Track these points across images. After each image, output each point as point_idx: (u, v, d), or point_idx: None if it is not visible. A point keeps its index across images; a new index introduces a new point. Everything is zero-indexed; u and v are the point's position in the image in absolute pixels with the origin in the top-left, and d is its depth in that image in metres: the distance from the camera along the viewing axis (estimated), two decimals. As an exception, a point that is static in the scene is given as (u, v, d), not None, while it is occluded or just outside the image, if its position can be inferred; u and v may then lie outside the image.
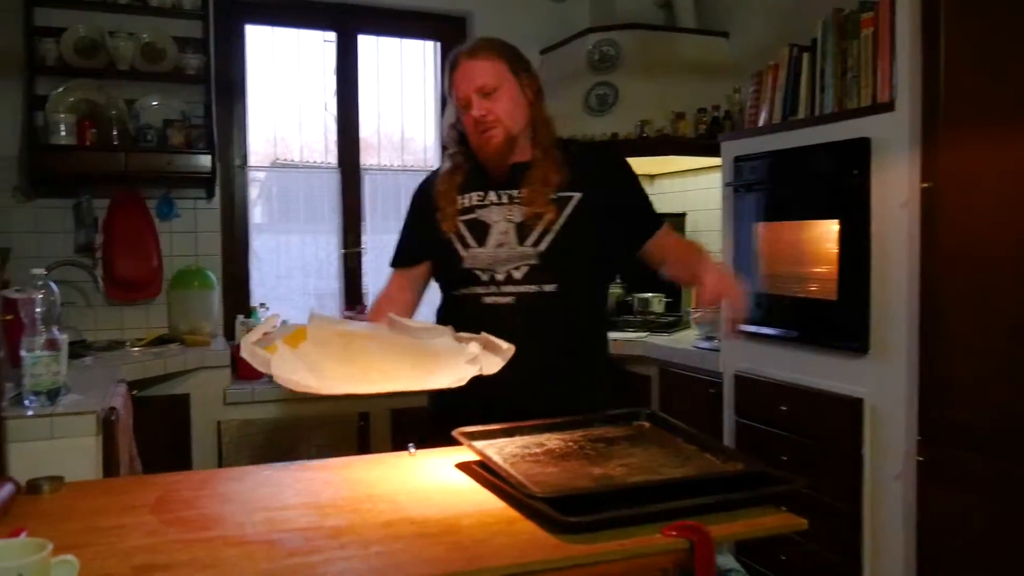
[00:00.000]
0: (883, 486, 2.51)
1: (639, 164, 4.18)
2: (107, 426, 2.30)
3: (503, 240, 1.87)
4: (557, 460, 1.44)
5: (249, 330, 1.54)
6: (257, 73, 4.07)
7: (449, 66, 1.91)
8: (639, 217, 2.01)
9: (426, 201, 2.00)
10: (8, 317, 2.31)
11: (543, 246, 1.85)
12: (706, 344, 3.35)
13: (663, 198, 4.55)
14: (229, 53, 3.95)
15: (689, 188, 4.34)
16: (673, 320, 3.97)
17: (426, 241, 1.98)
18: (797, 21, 3.22)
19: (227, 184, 3.95)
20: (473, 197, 1.93)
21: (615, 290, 4.12)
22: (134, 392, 2.93)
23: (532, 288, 1.85)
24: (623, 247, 1.99)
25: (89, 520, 1.20)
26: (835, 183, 2.63)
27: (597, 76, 4.00)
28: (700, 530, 1.12)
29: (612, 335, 3.73)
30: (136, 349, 3.47)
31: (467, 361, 1.51)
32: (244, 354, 1.44)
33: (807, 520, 1.20)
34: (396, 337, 1.58)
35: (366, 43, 4.27)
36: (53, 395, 2.29)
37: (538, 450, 1.49)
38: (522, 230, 1.86)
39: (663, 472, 1.37)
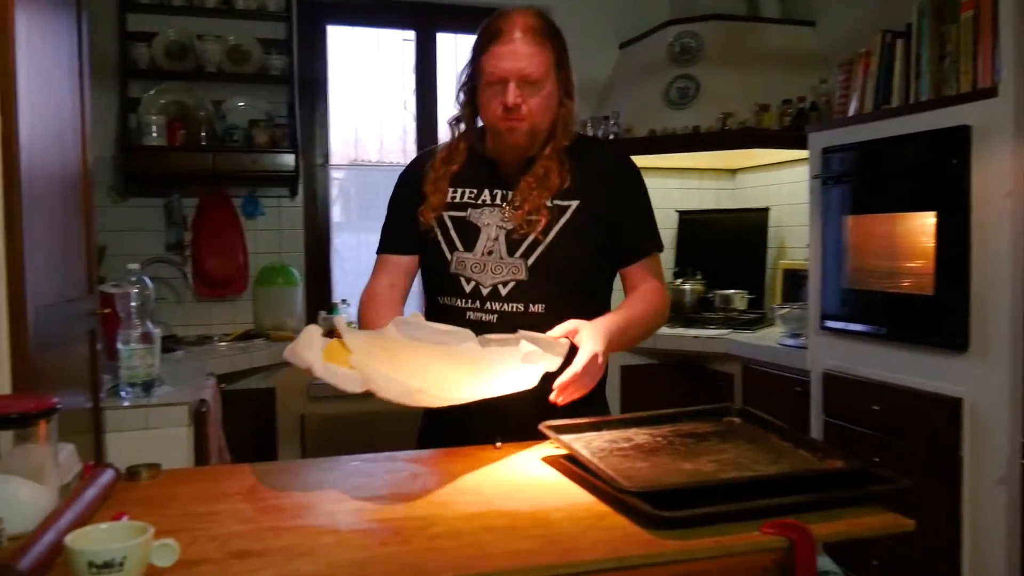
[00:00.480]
0: (984, 490, 2.40)
1: (721, 158, 4.16)
2: (198, 417, 2.36)
3: (492, 247, 1.70)
4: (646, 455, 1.40)
5: (327, 331, 1.46)
6: (338, 73, 4.14)
7: (490, 33, 1.66)
8: (637, 233, 1.79)
9: (415, 184, 1.80)
10: (105, 311, 2.39)
11: (532, 259, 1.68)
12: (792, 341, 3.26)
13: (746, 192, 4.46)
14: (311, 54, 4.02)
15: (772, 182, 4.24)
16: (756, 317, 3.88)
17: (416, 231, 1.78)
18: (888, 7, 3.11)
19: (309, 182, 4.03)
20: (467, 193, 1.75)
21: (696, 287, 4.06)
22: (222, 385, 3.01)
23: (518, 307, 1.68)
24: (616, 262, 1.79)
25: (185, 506, 1.22)
26: (932, 173, 2.52)
27: (678, 69, 3.94)
28: (801, 528, 1.08)
29: (694, 332, 3.70)
30: (223, 344, 3.57)
31: (524, 361, 1.46)
32: (311, 368, 1.33)
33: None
34: (426, 345, 1.51)
35: (445, 41, 4.29)
36: (148, 387, 2.37)
37: (626, 444, 1.46)
38: (512, 238, 1.69)
39: (756, 469, 1.32)
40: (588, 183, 1.72)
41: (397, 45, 4.25)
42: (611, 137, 3.87)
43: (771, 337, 3.48)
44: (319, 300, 4.04)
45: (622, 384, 3.80)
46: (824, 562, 1.26)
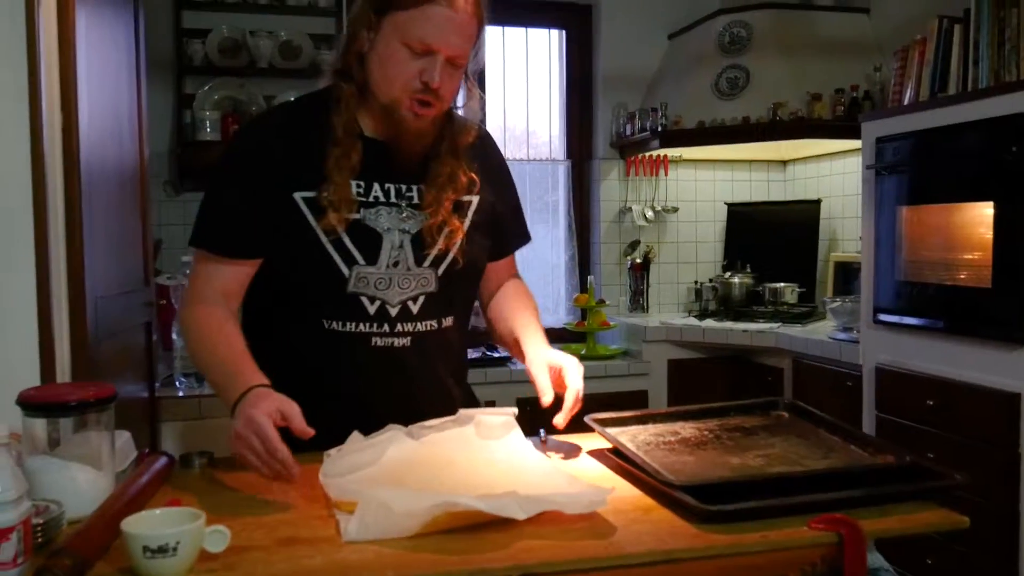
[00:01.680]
0: (1044, 488, 2.34)
1: (771, 149, 4.11)
2: (250, 407, 2.40)
3: (397, 257, 1.42)
4: (693, 449, 1.40)
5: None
6: (386, 67, 4.16)
7: None
8: (511, 225, 1.63)
9: (274, 156, 1.40)
10: (161, 302, 2.45)
11: (443, 267, 1.46)
12: (844, 335, 3.20)
13: (797, 184, 4.39)
14: (360, 48, 4.05)
15: (824, 173, 4.16)
16: (807, 310, 3.82)
17: (279, 230, 1.39)
18: (945, -7, 3.03)
19: (358, 176, 4.06)
20: (353, 187, 1.41)
21: (745, 280, 4.01)
22: (273, 376, 3.06)
23: (431, 325, 1.47)
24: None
25: (237, 494, 1.25)
26: (990, 163, 2.45)
27: (728, 59, 3.88)
28: (851, 524, 1.06)
29: (743, 325, 3.66)
30: (275, 335, 3.62)
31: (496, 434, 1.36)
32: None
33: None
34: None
35: (492, 33, 4.29)
36: (201, 377, 2.41)
37: (672, 438, 1.45)
38: (418, 245, 1.44)
39: (805, 463, 1.31)
40: (480, 173, 1.52)
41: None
42: (643, 130, 3.84)
43: (822, 331, 3.42)
44: (368, 292, 4.08)
45: (669, 378, 3.77)
46: (875, 559, 1.24)
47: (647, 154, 4.11)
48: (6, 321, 1.56)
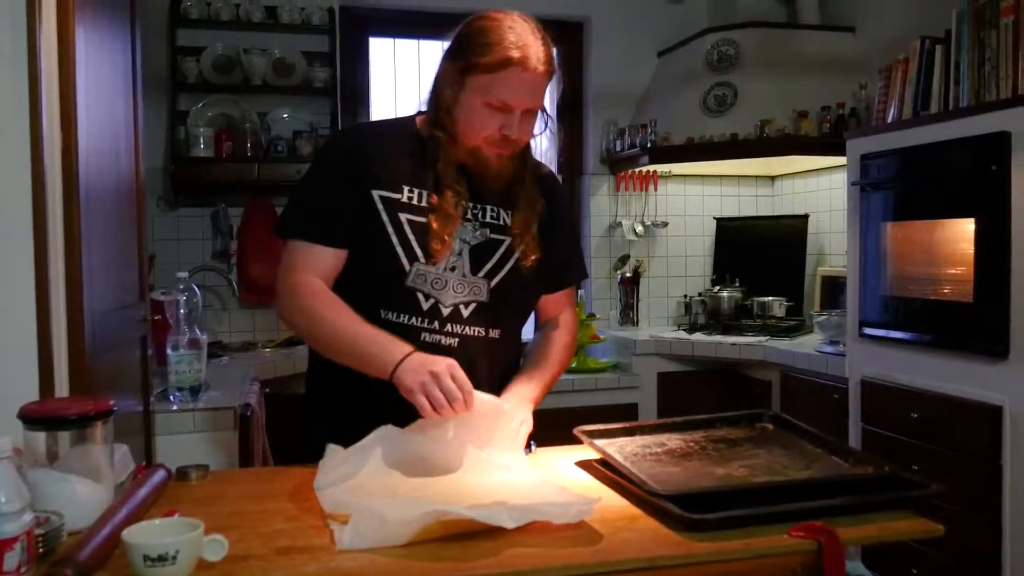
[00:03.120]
0: (1026, 499, 2.38)
1: (759, 165, 4.16)
2: (243, 421, 2.42)
3: (455, 263, 1.56)
4: (679, 460, 1.43)
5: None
6: (380, 84, 4.21)
7: (503, 51, 1.48)
8: (567, 259, 1.75)
9: (364, 161, 1.57)
10: (155, 318, 2.48)
11: (496, 280, 1.59)
12: (830, 348, 3.25)
13: (785, 199, 4.45)
14: (354, 65, 4.10)
15: (811, 189, 4.22)
16: (795, 324, 3.86)
17: (357, 222, 1.55)
18: (928, 13, 3.09)
19: (351, 191, 4.09)
20: (424, 196, 1.57)
21: (733, 294, 4.05)
22: (266, 390, 3.08)
23: (479, 331, 1.58)
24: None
25: (233, 505, 1.27)
26: (971, 180, 2.51)
27: (716, 76, 3.94)
28: (829, 532, 1.10)
29: (731, 339, 3.70)
30: (267, 350, 3.65)
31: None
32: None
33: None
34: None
35: (483, 51, 4.34)
36: (195, 391, 2.44)
37: (659, 449, 1.49)
38: (477, 255, 1.58)
39: (788, 474, 1.35)
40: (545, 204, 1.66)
41: (437, 55, 4.30)
42: (632, 146, 3.89)
43: (809, 344, 3.47)
44: (360, 307, 4.11)
45: (659, 391, 3.81)
46: (855, 566, 1.28)
47: (637, 170, 4.16)
48: (6, 337, 1.58)
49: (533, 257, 1.61)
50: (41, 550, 1.04)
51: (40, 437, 1.18)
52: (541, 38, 1.54)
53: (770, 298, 3.98)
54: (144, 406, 2.31)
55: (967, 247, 2.54)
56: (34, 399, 1.47)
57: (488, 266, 1.58)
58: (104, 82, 2.05)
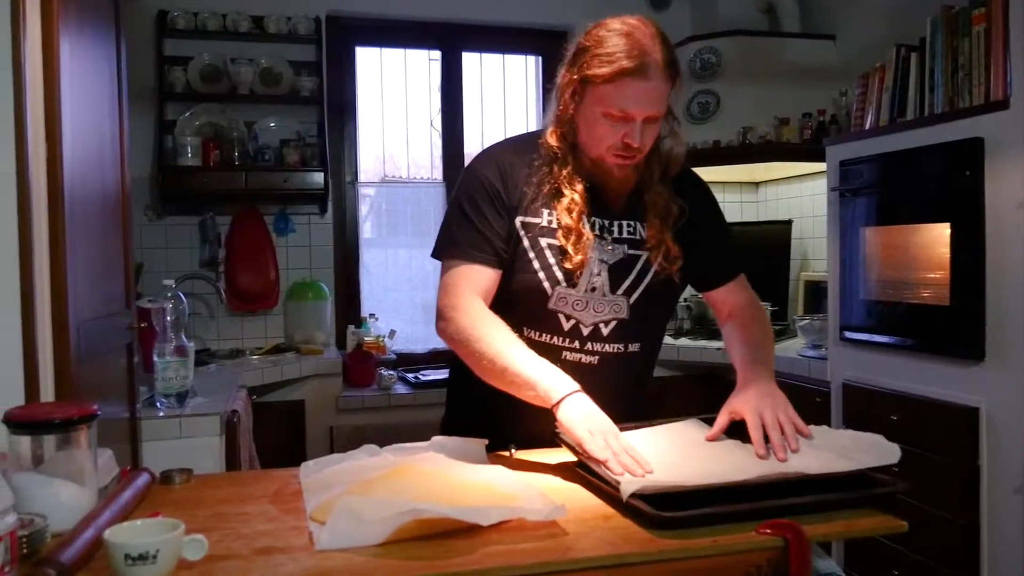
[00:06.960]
0: (1003, 500, 2.41)
1: (743, 171, 4.19)
2: (229, 427, 2.44)
3: (595, 283, 1.58)
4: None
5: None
6: (366, 93, 4.24)
7: (621, 60, 1.47)
8: (719, 257, 1.76)
9: (511, 183, 1.59)
10: (142, 325, 2.49)
11: (635, 296, 1.61)
12: (812, 352, 3.28)
13: (769, 205, 4.49)
14: (340, 75, 4.13)
15: (794, 195, 4.26)
16: (779, 329, 3.90)
17: (505, 243, 1.58)
18: (907, 20, 3.13)
19: (339, 200, 4.13)
20: (552, 217, 1.58)
21: (719, 299, 4.08)
22: (253, 397, 3.10)
23: (618, 348, 1.62)
24: (690, 284, 1.74)
25: (215, 507, 1.29)
26: (946, 185, 2.55)
27: (698, 84, 3.99)
28: (796, 528, 1.12)
29: (717, 344, 3.73)
30: (255, 357, 3.67)
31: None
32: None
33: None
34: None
35: (470, 60, 4.38)
36: (181, 398, 2.46)
37: (636, 451, 1.51)
38: (615, 273, 1.60)
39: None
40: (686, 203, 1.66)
41: (423, 64, 4.35)
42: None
43: (792, 348, 3.51)
44: (348, 315, 4.13)
45: (646, 396, 3.83)
46: (827, 565, 1.31)
47: (622, 177, 4.18)
48: (-9, 344, 1.61)
49: (676, 266, 1.61)
50: (25, 551, 1.06)
51: (25, 441, 1.20)
52: (661, 44, 1.49)
53: (754, 303, 4.00)
54: (130, 412, 2.33)
55: (944, 251, 2.58)
56: (19, 404, 1.49)
57: (627, 283, 1.60)
58: (89, 91, 2.07)
